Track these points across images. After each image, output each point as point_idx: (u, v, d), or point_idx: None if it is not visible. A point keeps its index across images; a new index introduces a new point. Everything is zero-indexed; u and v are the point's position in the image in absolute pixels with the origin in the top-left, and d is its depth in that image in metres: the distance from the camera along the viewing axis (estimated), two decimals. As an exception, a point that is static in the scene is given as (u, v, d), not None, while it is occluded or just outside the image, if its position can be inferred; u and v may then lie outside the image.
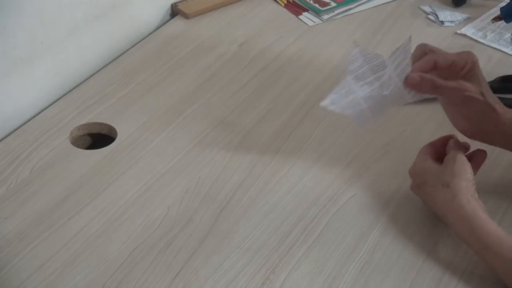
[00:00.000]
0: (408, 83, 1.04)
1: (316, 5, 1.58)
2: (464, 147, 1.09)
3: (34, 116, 1.28)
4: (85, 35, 1.37)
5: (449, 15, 1.54)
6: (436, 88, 1.06)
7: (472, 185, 1.03)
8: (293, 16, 1.56)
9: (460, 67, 1.07)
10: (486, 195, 1.12)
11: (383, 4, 1.59)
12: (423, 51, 1.07)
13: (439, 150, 1.09)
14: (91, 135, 1.27)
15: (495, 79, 1.34)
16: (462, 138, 1.10)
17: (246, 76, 1.38)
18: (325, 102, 1.07)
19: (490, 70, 1.39)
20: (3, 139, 1.23)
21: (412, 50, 1.07)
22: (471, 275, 0.98)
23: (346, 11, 1.57)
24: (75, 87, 1.35)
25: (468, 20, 1.54)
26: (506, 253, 0.96)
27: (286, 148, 1.22)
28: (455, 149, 1.07)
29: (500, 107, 1.08)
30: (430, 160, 1.08)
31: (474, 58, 1.08)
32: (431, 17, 1.55)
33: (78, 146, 1.23)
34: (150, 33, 1.50)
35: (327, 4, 1.58)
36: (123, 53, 1.44)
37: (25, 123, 1.26)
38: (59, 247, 1.04)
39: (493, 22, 1.47)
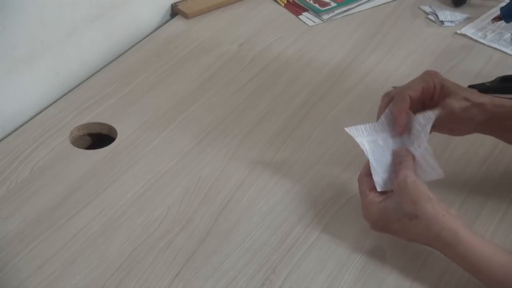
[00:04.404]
0: (401, 128, 1.07)
1: (316, 5, 1.58)
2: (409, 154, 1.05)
3: (34, 116, 1.28)
4: (85, 35, 1.37)
5: (449, 15, 1.54)
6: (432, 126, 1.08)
7: (437, 202, 0.97)
8: (293, 16, 1.56)
9: (431, 91, 1.09)
10: (486, 195, 1.12)
11: (383, 4, 1.59)
12: (390, 97, 1.09)
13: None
14: (91, 135, 1.27)
15: (495, 79, 1.34)
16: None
17: (246, 76, 1.38)
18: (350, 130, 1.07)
19: (490, 70, 1.39)
20: (3, 139, 1.23)
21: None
22: (471, 276, 0.98)
23: (346, 11, 1.57)
24: (75, 87, 1.35)
25: (468, 20, 1.54)
26: (497, 275, 0.92)
27: (286, 148, 1.22)
28: (403, 168, 1.02)
29: (485, 99, 1.08)
30: (376, 196, 1.02)
31: (437, 76, 1.09)
32: (431, 17, 1.55)
33: (78, 146, 1.23)
34: (150, 33, 1.50)
35: (327, 4, 1.58)
36: (123, 53, 1.44)
37: (25, 123, 1.26)
38: (59, 247, 1.04)
39: (493, 22, 1.47)
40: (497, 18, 1.45)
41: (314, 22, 1.54)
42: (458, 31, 1.51)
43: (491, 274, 0.93)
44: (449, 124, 1.09)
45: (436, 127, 1.08)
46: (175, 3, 1.56)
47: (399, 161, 1.04)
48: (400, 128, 1.06)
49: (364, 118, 1.26)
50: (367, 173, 1.04)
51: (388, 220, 1.00)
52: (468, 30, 1.51)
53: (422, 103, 1.10)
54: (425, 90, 1.09)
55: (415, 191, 0.98)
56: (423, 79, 1.09)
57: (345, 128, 1.07)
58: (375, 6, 1.59)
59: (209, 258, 1.03)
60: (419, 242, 1.00)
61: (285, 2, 1.59)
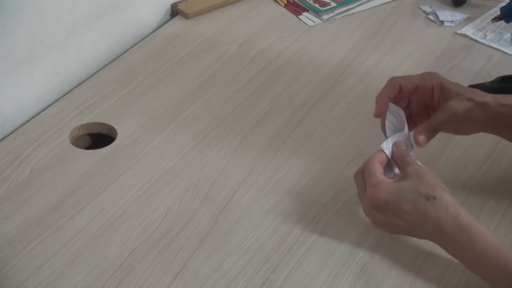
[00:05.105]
0: (421, 144, 1.07)
1: (316, 5, 1.58)
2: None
3: (34, 116, 1.28)
4: (85, 35, 1.37)
5: (449, 15, 1.54)
6: (436, 129, 1.08)
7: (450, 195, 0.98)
8: (293, 16, 1.56)
9: (428, 92, 1.09)
10: (486, 195, 1.12)
11: (383, 4, 1.59)
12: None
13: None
14: (91, 135, 1.27)
15: (495, 79, 1.34)
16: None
17: (246, 76, 1.38)
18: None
19: (490, 70, 1.39)
20: (3, 139, 1.23)
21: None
22: (471, 275, 0.98)
23: (346, 11, 1.57)
24: (75, 87, 1.35)
25: (468, 20, 1.54)
26: (510, 264, 0.92)
27: (286, 148, 1.22)
28: (414, 162, 1.03)
29: (489, 98, 1.08)
30: (387, 179, 1.01)
31: (436, 77, 1.10)
32: (431, 17, 1.55)
33: (78, 146, 1.23)
34: (150, 33, 1.50)
35: (327, 4, 1.58)
36: (123, 53, 1.44)
37: (25, 123, 1.26)
38: (59, 247, 1.04)
39: (493, 22, 1.47)
40: (497, 18, 1.45)
41: (314, 22, 1.54)
42: (458, 31, 1.51)
43: (501, 262, 0.92)
44: (453, 126, 1.09)
45: (442, 128, 1.08)
46: (175, 3, 1.56)
47: (406, 154, 1.04)
48: (376, 111, 1.08)
49: (364, 118, 1.26)
50: (378, 159, 1.03)
51: (400, 200, 0.97)
52: (468, 30, 1.51)
53: (422, 104, 1.10)
54: (421, 89, 1.09)
55: (433, 177, 0.99)
56: (421, 78, 1.10)
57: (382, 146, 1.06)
58: (375, 6, 1.59)
59: (209, 258, 1.03)
60: (424, 231, 0.98)
61: (285, 2, 1.59)
